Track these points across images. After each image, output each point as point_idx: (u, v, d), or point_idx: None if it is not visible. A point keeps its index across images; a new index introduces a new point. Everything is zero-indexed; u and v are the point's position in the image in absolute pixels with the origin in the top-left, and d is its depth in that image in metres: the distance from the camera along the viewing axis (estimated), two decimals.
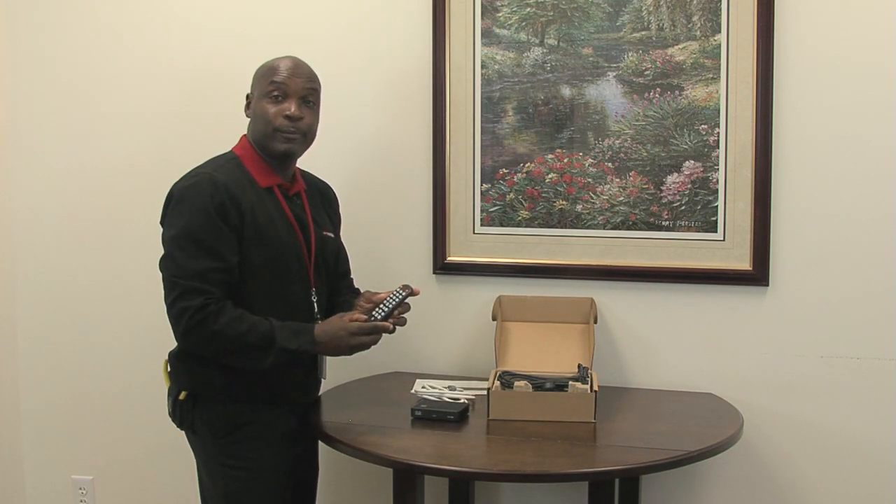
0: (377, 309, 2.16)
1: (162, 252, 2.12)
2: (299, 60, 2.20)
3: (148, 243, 2.90)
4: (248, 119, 2.22)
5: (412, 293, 2.20)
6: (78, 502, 3.08)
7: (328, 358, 2.28)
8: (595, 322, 2.49)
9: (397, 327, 2.18)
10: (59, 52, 2.94)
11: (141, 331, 2.94)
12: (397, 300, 2.18)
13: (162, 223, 2.14)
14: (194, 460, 2.26)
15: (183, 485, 2.72)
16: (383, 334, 2.15)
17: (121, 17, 2.88)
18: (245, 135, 2.24)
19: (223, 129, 2.59)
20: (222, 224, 2.04)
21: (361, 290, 2.39)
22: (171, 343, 2.22)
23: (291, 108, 2.14)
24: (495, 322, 2.50)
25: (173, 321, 2.05)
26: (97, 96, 2.92)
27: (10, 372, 3.06)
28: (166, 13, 2.85)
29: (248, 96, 2.22)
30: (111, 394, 3.00)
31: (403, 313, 2.20)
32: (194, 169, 2.17)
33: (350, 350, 2.13)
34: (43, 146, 2.99)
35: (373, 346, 2.16)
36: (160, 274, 2.11)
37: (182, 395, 2.13)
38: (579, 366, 2.33)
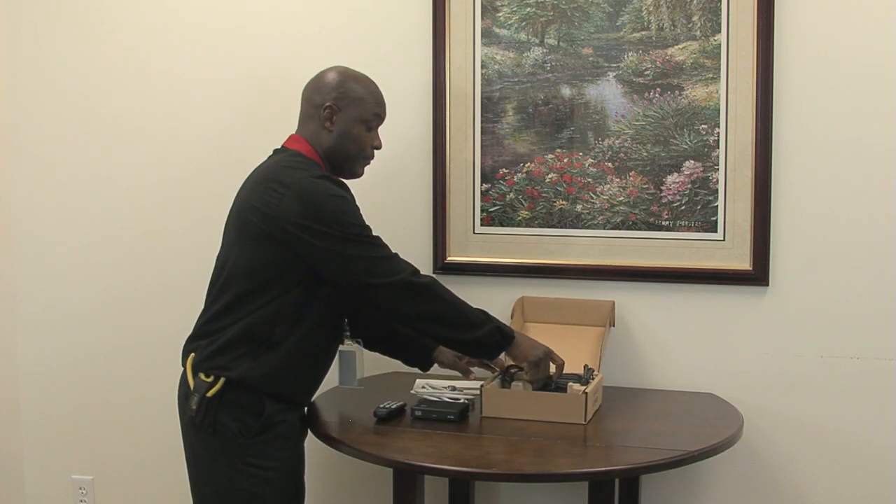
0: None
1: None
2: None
3: (148, 246, 2.92)
4: (321, 128, 2.17)
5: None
6: (78, 502, 3.08)
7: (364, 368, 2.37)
8: (612, 325, 2.50)
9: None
10: (61, 56, 2.94)
11: (142, 331, 2.94)
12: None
13: (293, 217, 2.04)
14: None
15: (183, 485, 2.70)
16: None
17: (122, 19, 2.88)
18: (305, 138, 2.19)
19: (225, 132, 2.60)
20: None
21: None
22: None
23: (379, 140, 2.26)
24: (510, 321, 2.51)
25: (396, 278, 2.07)
26: (99, 99, 2.92)
27: (10, 372, 3.06)
28: (167, 15, 2.84)
29: (330, 107, 2.16)
30: (111, 394, 3.00)
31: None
32: (297, 169, 2.10)
33: (535, 362, 2.18)
34: (44, 151, 2.99)
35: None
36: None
37: (212, 392, 2.07)
38: (585, 366, 2.33)
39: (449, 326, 2.13)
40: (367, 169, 2.70)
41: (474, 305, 2.63)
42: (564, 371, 2.27)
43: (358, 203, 2.68)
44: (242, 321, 2.09)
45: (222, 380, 2.08)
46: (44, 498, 3.11)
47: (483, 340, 2.14)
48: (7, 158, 3.01)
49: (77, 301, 3.00)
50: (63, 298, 3.02)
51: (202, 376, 2.11)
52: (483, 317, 2.15)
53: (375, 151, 2.26)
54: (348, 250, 2.06)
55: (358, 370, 2.37)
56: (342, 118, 2.18)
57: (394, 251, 2.12)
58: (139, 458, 3.00)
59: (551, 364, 2.22)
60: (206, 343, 2.13)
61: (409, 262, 2.12)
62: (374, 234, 2.12)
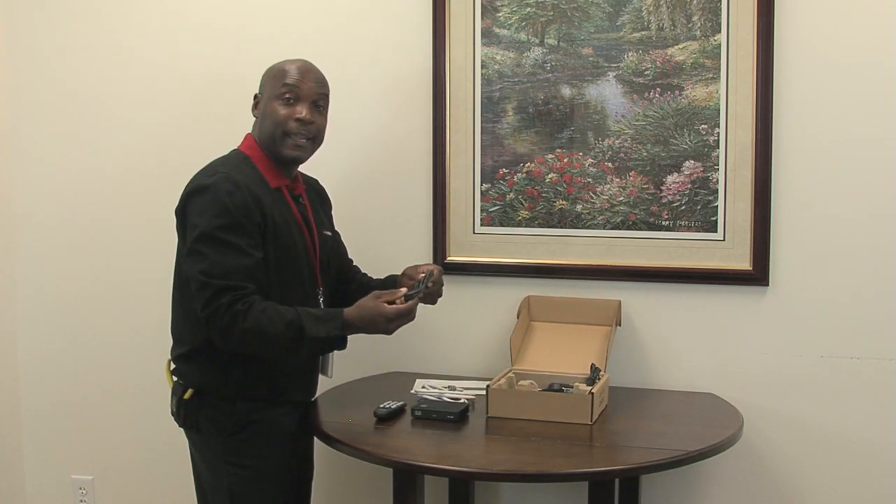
0: (411, 290, 2.14)
1: (174, 250, 2.15)
2: (311, 64, 2.20)
3: (148, 245, 2.92)
4: (255, 119, 2.22)
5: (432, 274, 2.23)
6: (78, 502, 3.08)
7: (335, 358, 2.31)
8: (619, 325, 2.50)
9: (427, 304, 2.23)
10: (60, 54, 2.94)
11: (141, 331, 2.94)
12: (425, 279, 2.19)
13: (182, 222, 2.10)
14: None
15: (183, 485, 2.71)
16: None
17: (122, 18, 2.88)
18: (251, 134, 2.23)
19: (224, 131, 2.59)
20: (246, 222, 2.03)
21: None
22: (171, 344, 2.22)
23: (303, 111, 2.14)
24: (513, 322, 2.51)
25: (208, 321, 2.00)
26: (98, 98, 2.92)
27: (10, 372, 3.06)
28: (167, 15, 2.85)
29: (256, 96, 2.22)
30: (111, 394, 3.00)
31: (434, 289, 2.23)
32: (209, 167, 2.14)
33: (389, 332, 2.09)
34: (43, 148, 2.99)
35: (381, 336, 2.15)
36: (169, 272, 2.11)
37: (187, 395, 2.12)
38: (592, 365, 2.32)
39: (271, 352, 2.07)
40: (367, 168, 2.71)
41: (476, 306, 2.64)
42: (573, 372, 2.29)
43: (358, 203, 2.70)
44: (193, 333, 2.11)
45: (190, 390, 2.13)
46: (44, 498, 3.11)
47: (310, 353, 2.14)
48: (7, 158, 3.01)
49: (77, 301, 3.00)
50: (63, 298, 3.02)
51: (178, 381, 2.17)
52: (297, 331, 2.00)
53: (309, 128, 2.15)
54: (187, 262, 2.03)
55: (330, 358, 2.32)
56: (263, 102, 2.19)
57: (238, 277, 2.00)
58: (139, 458, 3.00)
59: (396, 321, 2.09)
60: (174, 348, 2.20)
61: (251, 287, 2.01)
62: (225, 251, 2.00)
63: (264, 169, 2.16)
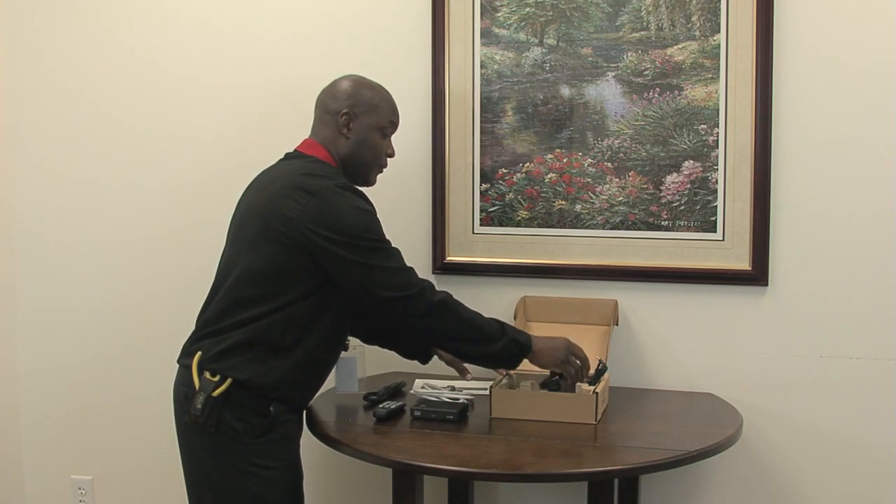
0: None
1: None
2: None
3: (148, 246, 2.92)
4: (340, 137, 2.19)
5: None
6: (78, 502, 3.08)
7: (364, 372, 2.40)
8: (616, 324, 2.50)
9: None
10: (61, 56, 2.94)
11: (141, 331, 2.94)
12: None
13: (325, 225, 2.06)
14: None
15: (183, 485, 2.72)
16: None
17: (121, 17, 2.88)
18: (321, 145, 2.20)
19: (224, 131, 2.60)
20: None
21: None
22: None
23: (393, 149, 2.28)
24: (513, 322, 2.51)
25: (410, 292, 2.08)
26: (98, 99, 2.92)
27: (10, 372, 3.06)
28: (167, 15, 2.85)
29: (347, 114, 2.18)
30: (111, 394, 3.00)
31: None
32: (319, 175, 2.11)
33: (561, 362, 2.20)
34: (44, 151, 2.99)
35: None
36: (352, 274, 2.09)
37: (218, 391, 2.06)
38: (599, 360, 2.32)
39: (464, 342, 2.15)
40: None
41: (475, 306, 2.64)
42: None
43: None
44: (253, 324, 2.08)
45: (229, 380, 2.07)
46: (44, 498, 3.11)
47: (500, 354, 2.15)
48: (7, 158, 3.01)
49: (77, 301, 3.00)
50: (63, 299, 3.02)
51: (208, 375, 2.09)
52: (498, 330, 2.15)
53: (388, 160, 2.28)
54: (367, 261, 2.07)
55: (359, 373, 2.41)
56: (359, 125, 2.19)
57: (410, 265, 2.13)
58: (139, 458, 3.00)
59: (573, 357, 2.22)
60: (211, 343, 2.12)
61: (423, 277, 2.13)
62: (394, 246, 2.13)
63: None
